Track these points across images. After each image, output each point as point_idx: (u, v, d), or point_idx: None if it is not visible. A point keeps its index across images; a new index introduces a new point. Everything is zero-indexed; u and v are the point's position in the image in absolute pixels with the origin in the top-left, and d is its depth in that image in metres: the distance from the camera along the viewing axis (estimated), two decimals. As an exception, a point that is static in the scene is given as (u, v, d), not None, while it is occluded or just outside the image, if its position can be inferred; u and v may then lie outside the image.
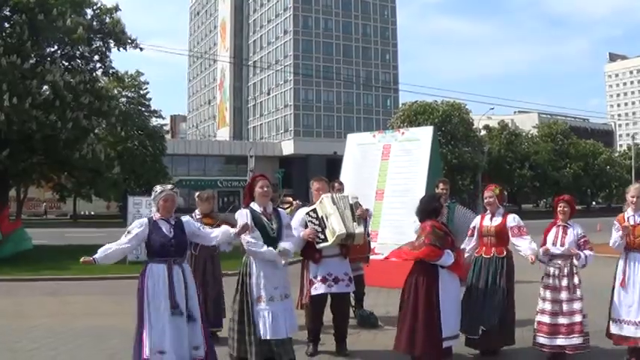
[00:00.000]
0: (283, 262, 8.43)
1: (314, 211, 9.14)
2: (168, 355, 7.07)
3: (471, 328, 9.00)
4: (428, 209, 8.55)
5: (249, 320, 8.00)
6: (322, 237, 8.96)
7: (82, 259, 7.26)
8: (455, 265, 8.34)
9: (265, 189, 8.31)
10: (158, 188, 7.65)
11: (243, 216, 8.10)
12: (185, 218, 7.85)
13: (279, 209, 8.83)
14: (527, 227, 9.15)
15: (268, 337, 7.90)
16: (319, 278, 9.09)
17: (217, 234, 7.76)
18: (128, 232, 7.43)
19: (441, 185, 11.43)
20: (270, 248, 8.04)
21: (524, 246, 8.98)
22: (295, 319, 8.33)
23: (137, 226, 7.43)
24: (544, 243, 9.04)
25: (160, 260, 7.31)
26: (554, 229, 9.04)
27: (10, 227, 22.46)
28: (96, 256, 7.28)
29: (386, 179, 16.54)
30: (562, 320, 8.67)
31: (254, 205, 8.29)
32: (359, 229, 9.08)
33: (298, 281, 9.33)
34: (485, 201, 9.47)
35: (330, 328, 9.55)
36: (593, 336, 8.82)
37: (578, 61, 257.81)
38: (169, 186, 7.83)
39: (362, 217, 9.38)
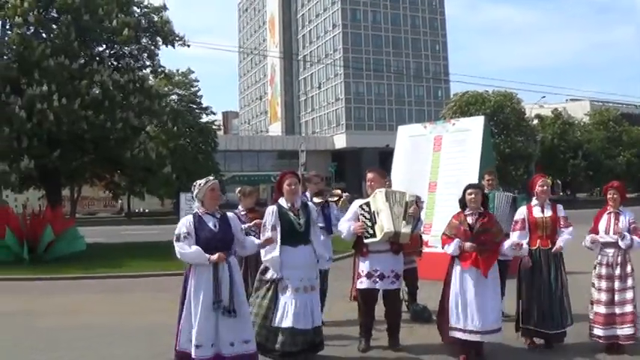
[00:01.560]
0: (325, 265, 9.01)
1: (367, 204, 9.08)
2: (205, 349, 7.15)
3: (532, 319, 8.95)
4: (459, 202, 8.93)
5: (269, 308, 8.33)
6: (371, 232, 8.91)
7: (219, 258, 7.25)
8: (466, 256, 8.49)
9: (293, 186, 8.55)
10: (202, 181, 7.63)
11: (269, 213, 8.48)
12: (231, 215, 7.81)
13: (309, 204, 9.07)
14: (581, 217, 9.00)
15: (288, 325, 8.18)
16: (365, 273, 9.05)
17: (248, 246, 7.87)
18: (188, 234, 7.35)
19: (486, 176, 11.21)
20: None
21: (566, 236, 9.05)
22: (317, 314, 8.48)
23: (187, 227, 7.39)
24: (594, 230, 8.93)
25: None
26: (605, 217, 8.94)
27: (63, 226, 22.62)
28: (205, 258, 7.24)
29: (438, 171, 16.40)
30: (615, 310, 8.59)
31: (282, 201, 8.56)
32: (406, 229, 8.95)
33: (344, 274, 9.25)
34: (540, 189, 9.24)
35: (382, 322, 9.46)
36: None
37: (627, 47, 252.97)
38: (210, 177, 7.84)
39: (414, 215, 9.18)
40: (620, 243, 8.64)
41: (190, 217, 7.46)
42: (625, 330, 8.50)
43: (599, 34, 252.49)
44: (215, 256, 7.17)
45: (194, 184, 7.65)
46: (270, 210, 8.52)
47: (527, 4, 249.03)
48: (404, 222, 8.93)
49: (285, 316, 8.19)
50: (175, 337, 7.35)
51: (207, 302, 7.18)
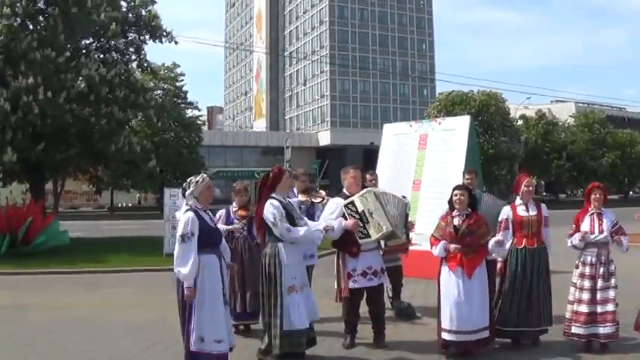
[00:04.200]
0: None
1: (352, 204, 8.90)
2: (224, 344, 7.25)
3: (521, 320, 8.96)
4: (448, 203, 8.90)
5: (276, 312, 7.99)
6: (365, 232, 8.81)
7: (186, 295, 7.11)
8: (452, 258, 8.55)
9: (291, 179, 8.67)
10: (198, 178, 7.54)
11: (275, 206, 8.07)
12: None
13: (290, 200, 8.87)
14: (564, 217, 9.12)
15: (300, 327, 7.99)
16: (359, 272, 9.02)
17: None
18: (192, 234, 7.16)
19: (466, 175, 11.15)
20: (306, 228, 8.24)
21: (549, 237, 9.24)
22: (316, 307, 8.51)
23: (192, 223, 7.20)
24: (577, 231, 8.99)
25: (209, 251, 7.31)
26: (587, 218, 9.01)
27: (44, 221, 22.55)
28: (191, 283, 7.09)
29: (423, 169, 16.48)
30: (597, 309, 8.67)
31: (278, 196, 8.26)
32: (403, 236, 9.17)
33: (327, 272, 9.25)
34: (526, 189, 9.25)
35: (367, 319, 9.48)
36: (624, 329, 8.89)
37: (616, 51, 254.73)
38: (204, 174, 7.81)
39: (410, 227, 9.54)
40: (618, 249, 8.86)
41: (192, 214, 7.25)
42: (607, 329, 8.58)
43: (589, 37, 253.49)
44: (190, 293, 7.07)
45: (188, 180, 7.54)
46: (276, 204, 8.08)
47: (516, 6, 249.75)
48: (404, 229, 9.14)
49: (295, 318, 7.95)
50: (187, 337, 7.21)
51: (219, 297, 7.26)
